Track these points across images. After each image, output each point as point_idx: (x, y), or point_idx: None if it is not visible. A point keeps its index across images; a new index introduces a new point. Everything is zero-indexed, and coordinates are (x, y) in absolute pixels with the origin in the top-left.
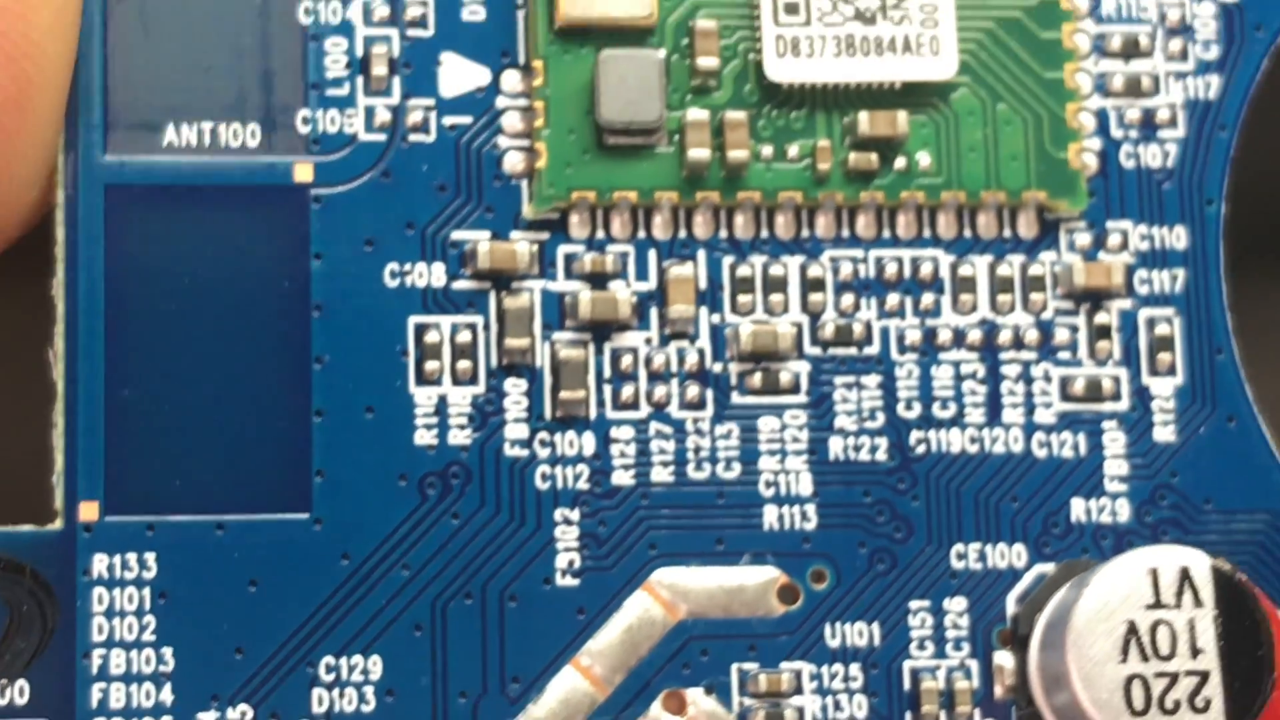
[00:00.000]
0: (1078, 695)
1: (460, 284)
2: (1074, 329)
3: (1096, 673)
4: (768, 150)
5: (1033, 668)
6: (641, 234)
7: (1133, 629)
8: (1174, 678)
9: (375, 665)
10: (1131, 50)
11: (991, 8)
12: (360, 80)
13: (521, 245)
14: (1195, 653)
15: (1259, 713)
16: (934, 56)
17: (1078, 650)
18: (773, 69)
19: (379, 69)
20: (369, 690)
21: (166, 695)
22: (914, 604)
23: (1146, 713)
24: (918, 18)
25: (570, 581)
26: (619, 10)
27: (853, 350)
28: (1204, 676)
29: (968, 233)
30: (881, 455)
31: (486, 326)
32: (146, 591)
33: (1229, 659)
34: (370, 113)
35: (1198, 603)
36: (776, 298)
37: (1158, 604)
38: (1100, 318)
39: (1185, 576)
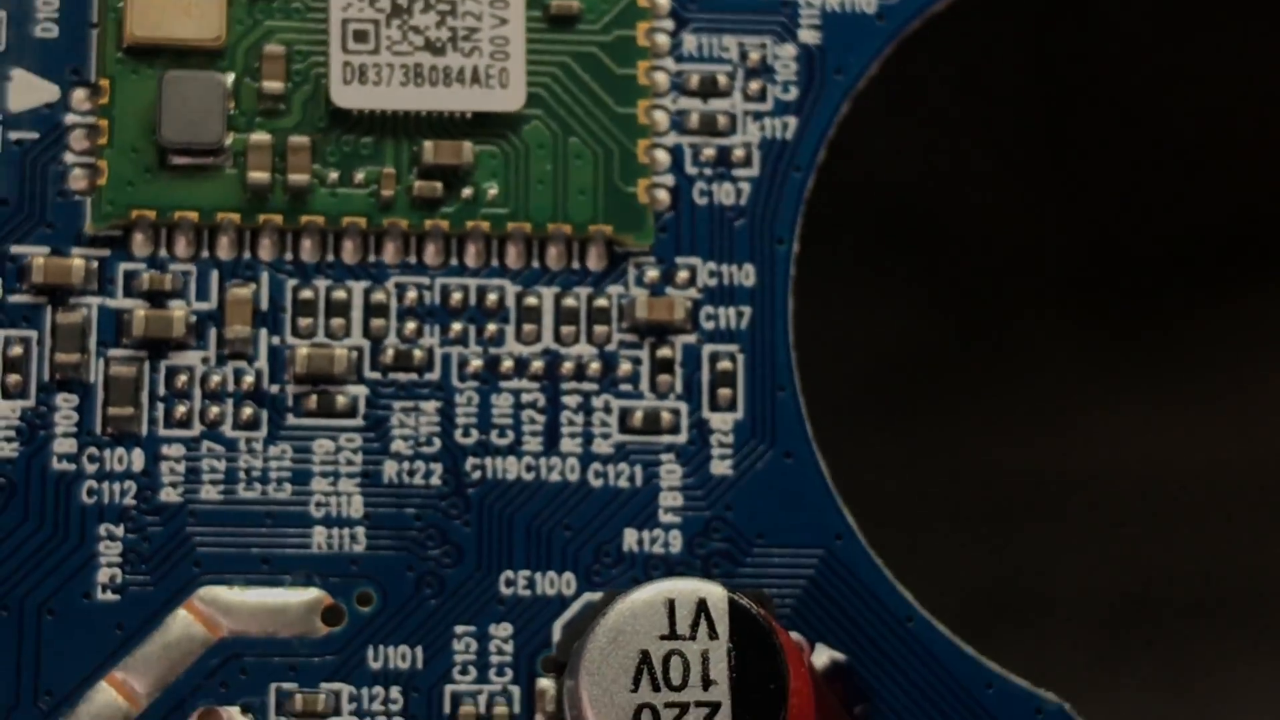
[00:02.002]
0: None
1: (16, 298)
2: (637, 362)
3: (607, 701)
4: (333, 175)
5: (564, 695)
6: (205, 254)
7: (645, 658)
8: (684, 708)
9: None
10: (710, 89)
11: (567, 43)
12: None
13: (78, 261)
14: (707, 684)
15: None
16: (502, 89)
17: (590, 678)
18: (339, 95)
19: None
20: None
21: None
22: (459, 629)
23: None
24: (488, 50)
25: (111, 597)
26: (187, 32)
27: (413, 376)
28: (714, 708)
29: (536, 264)
30: (436, 480)
31: (40, 341)
32: None
33: (741, 691)
34: None
35: (713, 635)
36: (338, 321)
37: (673, 635)
38: (663, 352)
39: (702, 608)
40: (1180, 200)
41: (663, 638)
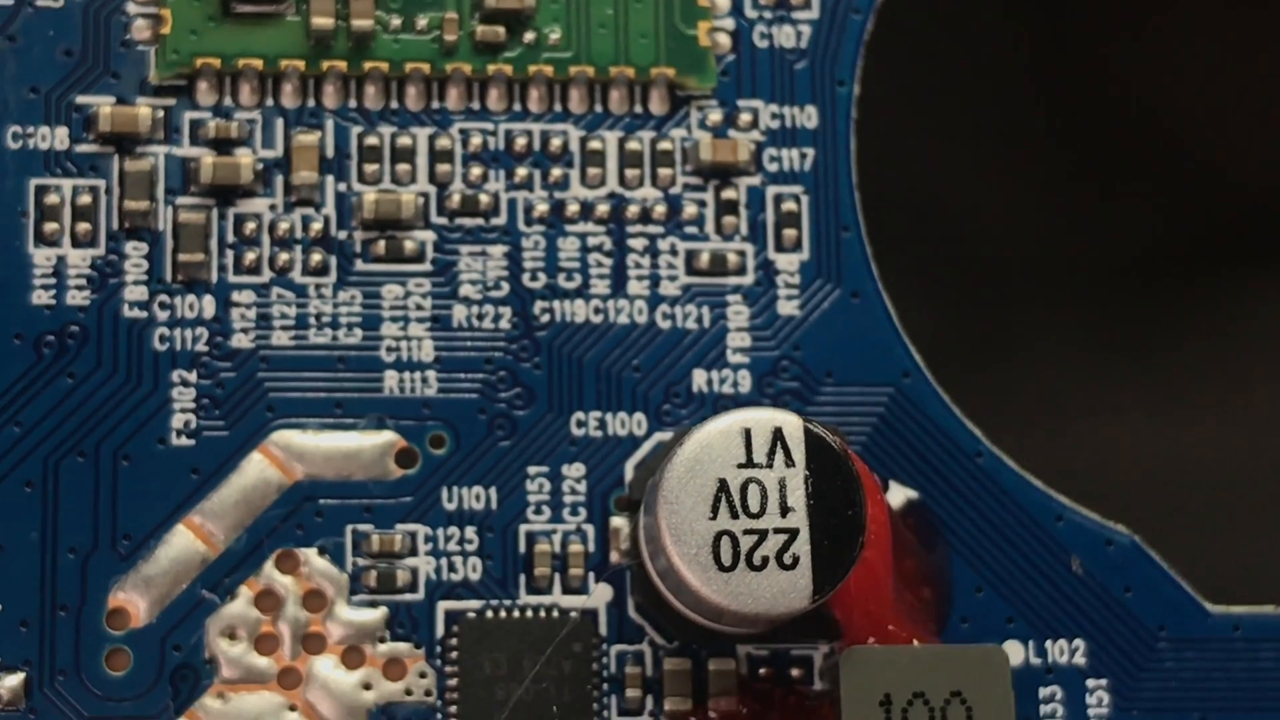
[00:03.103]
0: (668, 551)
1: (83, 148)
2: (702, 204)
3: (686, 529)
4: (396, 21)
5: (640, 532)
6: (270, 102)
7: (723, 487)
8: (763, 535)
9: None
10: None
11: None
12: None
13: (144, 110)
14: (785, 511)
15: (848, 570)
16: None
17: (668, 508)
18: None
19: None
20: None
21: None
22: (532, 469)
23: (734, 568)
24: None
25: (185, 442)
26: None
27: (479, 220)
28: (793, 534)
29: (599, 108)
30: (505, 324)
31: (109, 190)
32: None
33: (818, 518)
34: None
35: (789, 462)
36: (404, 167)
37: (750, 463)
38: (728, 193)
39: (778, 437)
40: (1180, 200)
41: (740, 466)
